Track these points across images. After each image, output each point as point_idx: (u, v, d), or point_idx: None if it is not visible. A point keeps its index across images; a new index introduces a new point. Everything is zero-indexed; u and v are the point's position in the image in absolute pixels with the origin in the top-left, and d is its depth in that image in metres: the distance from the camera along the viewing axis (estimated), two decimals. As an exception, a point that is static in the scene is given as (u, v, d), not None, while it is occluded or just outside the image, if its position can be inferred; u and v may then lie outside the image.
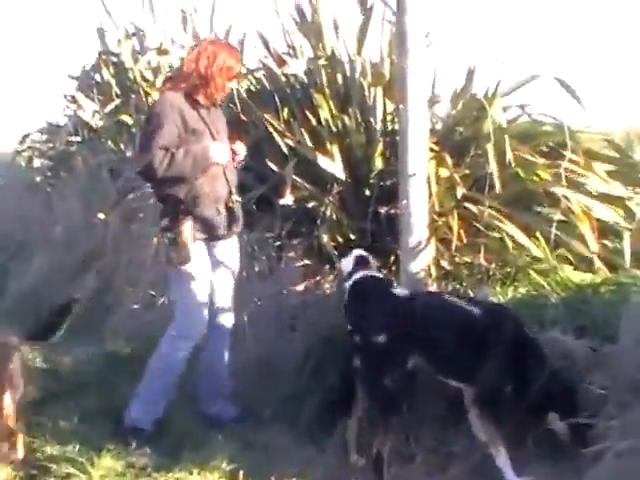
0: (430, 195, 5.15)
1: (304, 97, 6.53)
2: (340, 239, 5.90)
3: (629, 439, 3.55)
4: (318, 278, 5.88)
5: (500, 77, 5.66)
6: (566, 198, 5.15)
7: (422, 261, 5.05)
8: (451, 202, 5.40)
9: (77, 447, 4.58)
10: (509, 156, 5.20)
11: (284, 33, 6.90)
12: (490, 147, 5.23)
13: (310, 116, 6.25)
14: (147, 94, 8.75)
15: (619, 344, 4.04)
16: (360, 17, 6.29)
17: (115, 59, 9.60)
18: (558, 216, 5.08)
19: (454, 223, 5.29)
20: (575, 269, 5.08)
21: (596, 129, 5.98)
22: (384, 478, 4.09)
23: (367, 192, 5.99)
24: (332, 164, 6.00)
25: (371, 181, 6.00)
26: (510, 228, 5.19)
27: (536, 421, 4.07)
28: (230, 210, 4.84)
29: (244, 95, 6.88)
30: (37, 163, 11.53)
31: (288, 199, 6.05)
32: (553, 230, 5.00)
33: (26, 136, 11.54)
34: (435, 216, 5.28)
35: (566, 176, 5.13)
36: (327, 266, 5.87)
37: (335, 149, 6.07)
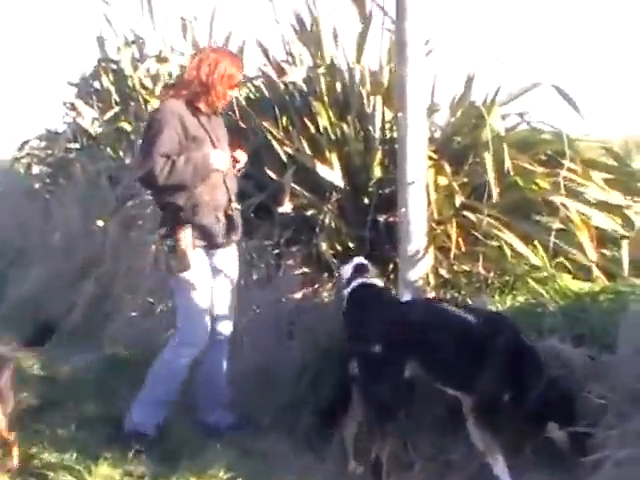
0: (429, 203, 5.15)
1: (303, 105, 6.54)
2: (339, 247, 5.90)
3: (628, 448, 3.55)
4: (316, 286, 5.88)
5: (499, 85, 5.68)
6: (565, 207, 5.15)
7: (421, 269, 5.05)
8: (450, 210, 5.40)
9: (75, 455, 4.57)
10: (508, 164, 5.20)
11: (283, 41, 6.91)
12: (488, 156, 5.23)
13: (309, 124, 6.25)
14: (146, 102, 8.75)
15: (618, 353, 4.03)
16: (359, 25, 6.30)
17: (114, 66, 9.60)
18: (557, 225, 5.08)
19: (453, 231, 5.29)
20: (574, 278, 5.07)
21: (594, 137, 5.99)
22: (383, 485, 4.10)
23: (366, 200, 5.99)
24: (331, 172, 6.01)
25: (370, 189, 6.00)
26: (509, 236, 5.18)
27: (534, 430, 4.06)
28: (229, 218, 4.84)
29: (243, 103, 6.88)
30: (36, 170, 11.53)
31: (287, 207, 6.05)
32: (552, 239, 5.00)
33: (25, 143, 11.56)
34: (434, 224, 5.28)
35: (565, 184, 5.13)
36: (326, 274, 5.88)
37: (334, 157, 6.07)
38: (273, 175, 6.28)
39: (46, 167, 11.11)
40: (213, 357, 4.98)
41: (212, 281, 4.86)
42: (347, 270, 5.03)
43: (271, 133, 6.32)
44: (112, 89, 9.41)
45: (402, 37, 4.92)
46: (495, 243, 5.24)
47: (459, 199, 5.37)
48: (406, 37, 4.89)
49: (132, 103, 8.95)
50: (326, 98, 6.31)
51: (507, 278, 5.14)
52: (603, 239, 5.31)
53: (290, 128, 6.42)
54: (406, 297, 4.93)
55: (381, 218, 5.70)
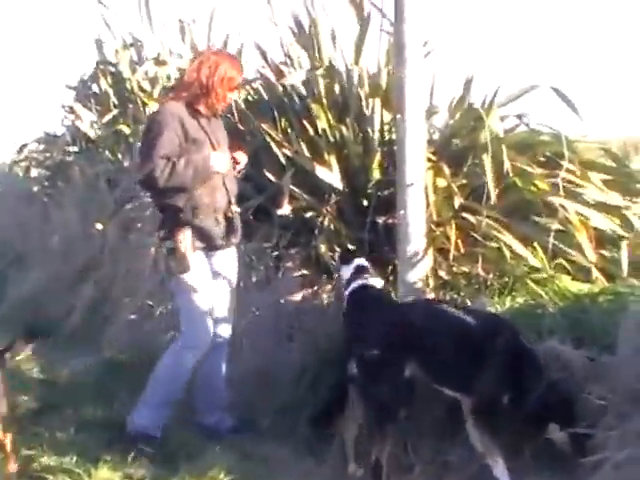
0: (428, 205, 5.15)
1: (302, 107, 6.53)
2: (338, 249, 5.89)
3: (628, 449, 3.55)
4: (316, 288, 5.87)
5: (498, 86, 5.68)
6: (563, 208, 5.14)
7: (420, 271, 5.05)
8: (449, 212, 5.40)
9: (74, 458, 4.57)
10: (507, 166, 5.21)
11: (281, 44, 6.91)
12: (487, 157, 5.23)
13: (308, 126, 6.25)
14: (145, 104, 8.76)
15: (617, 354, 4.03)
16: (357, 27, 6.30)
17: (113, 69, 9.59)
18: (556, 226, 5.07)
19: (452, 233, 5.29)
20: (573, 279, 5.07)
21: (593, 138, 5.99)
22: (383, 487, 4.09)
23: (365, 202, 5.99)
24: (330, 174, 6.01)
25: (369, 191, 5.99)
26: (508, 238, 5.18)
27: (534, 431, 4.05)
28: (229, 220, 4.84)
29: (242, 105, 6.88)
30: (34, 173, 11.54)
31: (286, 209, 6.06)
32: (551, 240, 4.99)
33: (23, 146, 11.56)
34: (433, 226, 5.28)
35: (563, 186, 5.13)
36: (325, 276, 5.88)
37: (333, 159, 6.07)
38: (272, 177, 6.28)
39: (45, 170, 11.12)
40: (212, 360, 4.97)
41: (212, 282, 4.86)
42: (347, 271, 5.04)
43: (270, 135, 6.32)
44: (110, 92, 9.41)
45: (400, 39, 4.92)
46: (494, 244, 5.24)
47: (458, 201, 5.37)
48: (404, 39, 4.89)
49: (130, 106, 8.96)
50: (325, 100, 6.31)
51: (506, 279, 5.13)
52: (602, 240, 5.31)
53: (289, 130, 6.42)
54: (404, 298, 4.92)
55: (380, 220, 5.70)
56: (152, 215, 6.60)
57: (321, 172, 5.97)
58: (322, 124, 6.21)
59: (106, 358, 6.32)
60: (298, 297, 5.83)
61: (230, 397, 5.13)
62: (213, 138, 4.78)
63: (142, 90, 9.00)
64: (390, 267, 5.49)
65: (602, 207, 5.38)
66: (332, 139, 6.19)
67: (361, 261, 5.08)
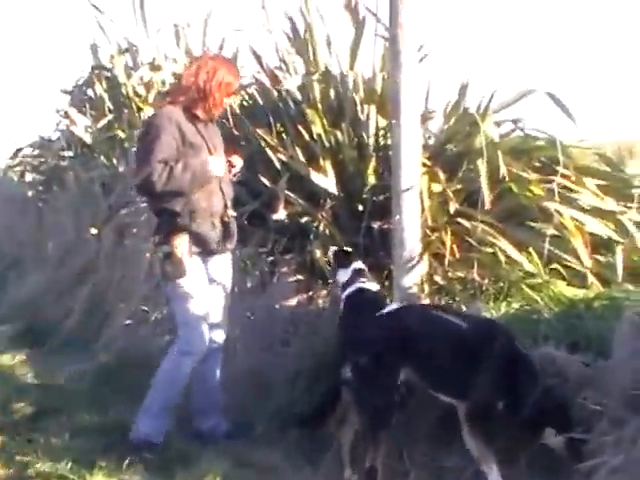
0: (423, 210, 5.15)
1: (297, 112, 6.54)
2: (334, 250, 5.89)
3: (623, 454, 3.55)
4: (311, 293, 5.88)
5: (493, 92, 5.69)
6: (559, 213, 5.15)
7: (415, 276, 5.05)
8: (444, 217, 5.41)
9: (69, 464, 4.53)
10: (503, 171, 5.22)
11: (277, 49, 6.92)
12: (482, 162, 5.23)
13: (303, 131, 6.27)
14: (140, 109, 8.78)
15: (613, 359, 4.03)
16: (352, 32, 6.31)
17: (108, 74, 9.60)
18: (551, 231, 5.08)
19: (447, 238, 5.30)
20: (568, 284, 5.07)
21: (588, 143, 5.99)
22: (378, 493, 4.09)
23: (360, 207, 6.00)
24: (325, 179, 6.01)
25: (364, 196, 6.01)
26: (503, 243, 5.18)
27: (529, 437, 4.05)
28: (225, 225, 4.84)
29: (237, 110, 6.88)
30: (29, 177, 11.52)
31: (281, 214, 6.07)
32: (546, 245, 5.00)
33: (18, 150, 11.54)
34: (428, 231, 5.28)
35: (558, 191, 5.14)
36: (320, 281, 5.88)
37: (328, 164, 6.08)
38: (267, 182, 6.29)
39: (39, 175, 11.10)
40: (207, 365, 4.96)
41: (207, 287, 4.85)
42: (345, 274, 5.04)
43: (265, 140, 6.33)
44: (105, 97, 9.40)
45: (396, 44, 4.92)
46: (489, 250, 5.24)
47: (453, 206, 5.37)
48: (400, 44, 4.89)
49: (125, 111, 8.97)
50: (320, 105, 6.32)
51: (502, 285, 5.13)
52: (597, 245, 5.31)
53: (284, 135, 6.44)
54: (400, 303, 4.92)
55: (375, 225, 5.71)
56: (147, 220, 6.59)
57: (316, 177, 5.98)
58: (317, 129, 6.22)
59: (101, 363, 6.30)
60: (293, 302, 5.84)
61: (225, 402, 5.12)
62: (210, 143, 4.78)
63: (137, 95, 9.01)
64: (385, 272, 5.49)
65: (597, 212, 5.38)
66: (327, 144, 6.20)
67: (359, 264, 5.09)
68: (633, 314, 4.11)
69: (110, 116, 9.18)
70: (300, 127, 6.29)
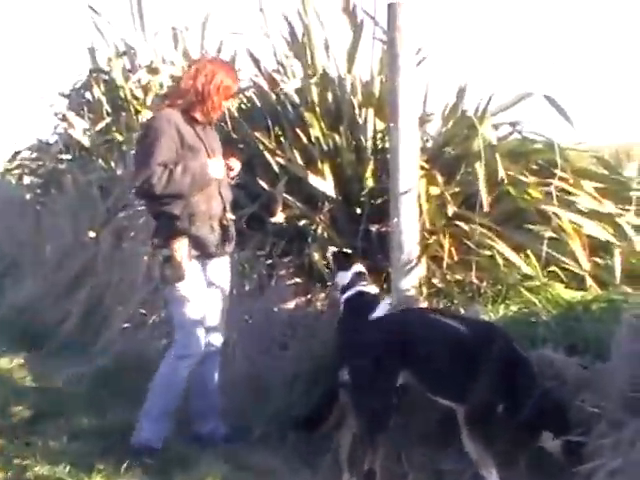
0: (421, 213, 5.16)
1: (295, 116, 6.54)
2: (332, 252, 5.89)
3: (621, 457, 3.56)
4: (309, 296, 5.87)
5: (491, 95, 5.69)
6: (557, 216, 5.16)
7: (413, 279, 5.05)
8: (442, 220, 5.41)
9: (68, 467, 4.54)
10: (501, 174, 5.22)
11: (275, 52, 6.92)
12: (480, 165, 5.24)
13: (301, 134, 6.26)
14: (137, 112, 8.78)
15: (611, 362, 4.03)
16: (350, 36, 6.31)
17: (106, 77, 9.60)
18: (549, 234, 5.09)
19: (445, 241, 5.30)
20: (566, 286, 5.07)
21: (585, 145, 6.00)
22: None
23: (358, 210, 6.00)
24: (323, 182, 6.01)
25: (362, 199, 6.00)
26: (501, 246, 5.18)
27: (528, 439, 4.06)
28: (224, 228, 4.84)
29: (235, 113, 6.88)
30: (27, 180, 11.52)
31: (279, 217, 6.06)
32: (544, 248, 5.00)
33: (16, 154, 11.54)
34: (426, 234, 5.29)
35: (556, 194, 5.15)
36: (318, 284, 5.88)
37: (326, 167, 6.07)
38: (265, 185, 6.29)
39: (37, 178, 11.10)
40: (205, 368, 4.96)
41: (205, 291, 4.85)
42: (345, 277, 5.04)
43: (263, 144, 6.33)
44: (103, 100, 9.40)
45: (394, 47, 4.92)
46: (488, 252, 5.24)
47: (451, 209, 5.38)
48: (398, 47, 4.90)
49: (123, 114, 8.97)
50: (318, 109, 6.32)
51: (500, 287, 5.12)
52: (595, 248, 5.31)
53: (282, 139, 6.43)
54: (398, 306, 4.92)
55: (373, 228, 5.71)
56: (145, 223, 6.59)
57: (314, 180, 5.98)
58: (315, 132, 6.21)
59: (99, 366, 6.29)
60: (291, 305, 5.83)
61: (223, 405, 5.12)
62: (208, 146, 4.78)
63: (135, 98, 9.01)
64: (384, 275, 5.49)
65: (595, 215, 5.38)
66: (325, 147, 6.20)
67: (359, 267, 5.09)
68: (631, 316, 4.11)
69: (108, 119, 9.18)
70: (298, 130, 6.29)
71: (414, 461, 4.38)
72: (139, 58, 9.41)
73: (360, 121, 6.27)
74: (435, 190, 5.45)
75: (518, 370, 4.09)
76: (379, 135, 6.20)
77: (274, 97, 6.79)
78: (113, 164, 8.86)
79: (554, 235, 5.14)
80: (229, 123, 6.66)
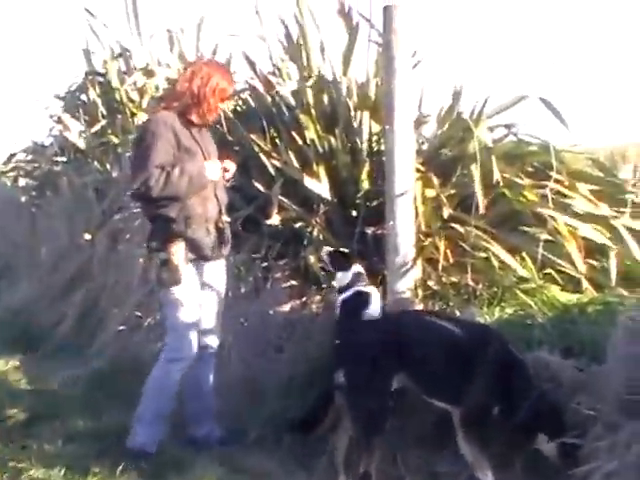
0: (416, 215, 5.15)
1: (290, 118, 6.54)
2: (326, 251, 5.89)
3: (617, 459, 3.56)
4: (304, 299, 5.87)
5: (486, 97, 5.70)
6: (552, 218, 5.16)
7: (409, 281, 5.05)
8: (437, 222, 5.41)
9: (63, 470, 4.53)
10: (497, 176, 5.22)
11: (270, 54, 6.93)
12: (475, 167, 5.24)
13: (296, 137, 6.26)
14: (133, 115, 8.77)
15: (606, 364, 4.04)
16: (346, 38, 6.31)
17: (101, 79, 9.58)
18: (545, 236, 5.09)
19: (441, 243, 5.30)
20: (562, 289, 5.07)
21: (581, 148, 6.00)
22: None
23: (353, 212, 6.00)
24: (318, 185, 6.01)
25: (357, 201, 6.01)
26: (497, 248, 5.19)
27: (523, 442, 4.06)
28: (220, 231, 4.83)
29: (230, 115, 6.88)
30: (22, 183, 11.51)
31: (275, 220, 6.06)
32: (540, 250, 5.01)
33: (11, 156, 11.52)
34: (422, 236, 5.29)
35: (552, 196, 5.15)
36: (313, 287, 5.87)
37: (321, 170, 6.08)
38: (261, 188, 6.29)
39: (32, 180, 11.09)
40: (200, 371, 4.96)
41: (200, 294, 4.85)
42: (344, 277, 5.04)
43: (258, 146, 6.33)
44: (99, 102, 9.39)
45: (389, 50, 4.93)
46: (483, 255, 5.24)
47: (447, 211, 5.38)
48: (393, 50, 4.90)
49: (119, 116, 8.96)
50: (313, 111, 6.32)
51: (495, 290, 5.13)
52: (591, 250, 5.32)
53: (277, 141, 6.43)
54: (393, 309, 4.92)
55: (369, 230, 5.71)
56: (141, 226, 6.58)
57: (310, 182, 5.98)
58: (311, 134, 6.22)
59: (95, 369, 6.29)
60: (287, 308, 5.83)
61: (219, 408, 5.11)
62: (204, 148, 4.78)
63: (131, 100, 9.00)
64: (379, 277, 5.48)
65: (590, 217, 5.39)
66: (321, 149, 6.20)
67: (358, 268, 5.08)
68: (627, 319, 4.11)
69: (103, 121, 9.16)
70: (294, 132, 6.29)
71: (410, 463, 4.38)
72: (135, 60, 9.39)
73: (355, 123, 6.28)
74: (431, 192, 5.45)
75: (514, 372, 4.10)
76: (375, 137, 6.20)
77: (270, 99, 6.79)
78: (109, 166, 8.84)
79: (550, 237, 5.15)
80: (224, 125, 6.65)
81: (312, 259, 5.81)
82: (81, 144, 9.44)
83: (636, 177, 5.89)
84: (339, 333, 4.80)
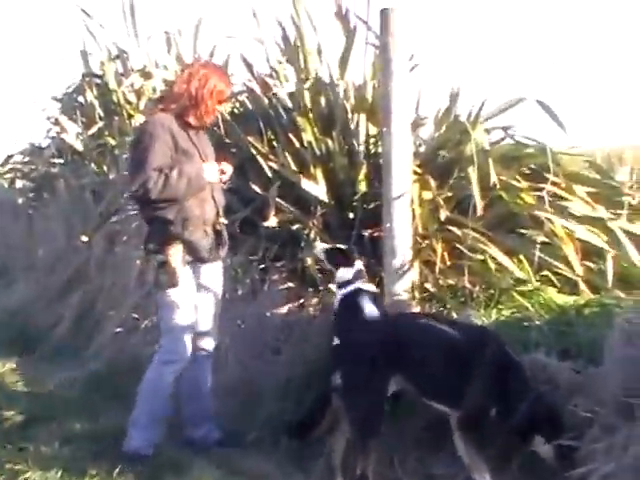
0: (413, 218, 5.16)
1: (287, 120, 6.54)
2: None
3: (614, 461, 3.56)
4: (301, 301, 5.87)
5: (483, 99, 5.70)
6: (549, 220, 5.16)
7: (406, 283, 5.06)
8: (434, 225, 5.41)
9: (60, 472, 4.53)
10: (494, 179, 5.23)
11: (267, 56, 6.93)
12: (472, 170, 5.24)
13: (294, 139, 6.26)
14: (130, 116, 8.77)
15: (603, 366, 4.04)
16: (343, 40, 6.31)
17: (99, 81, 9.59)
18: (541, 238, 5.10)
19: (438, 245, 5.30)
20: (559, 291, 5.07)
21: (578, 150, 6.00)
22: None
23: (351, 215, 6.00)
24: (316, 187, 6.01)
25: (354, 204, 6.00)
26: (493, 250, 5.18)
27: (520, 444, 4.06)
28: (217, 233, 4.84)
29: (228, 118, 6.88)
30: (19, 184, 11.52)
31: (272, 222, 6.06)
32: (537, 252, 5.01)
33: (9, 157, 11.54)
34: (419, 238, 5.29)
35: (549, 199, 5.16)
36: (311, 289, 5.87)
37: (319, 172, 6.08)
38: (258, 190, 6.29)
39: (30, 182, 11.10)
40: (197, 373, 4.96)
41: (197, 296, 4.85)
42: (346, 273, 5.01)
43: (256, 148, 6.33)
44: (96, 104, 9.40)
45: (387, 52, 4.93)
46: (480, 257, 5.23)
47: (444, 213, 5.38)
48: (391, 52, 4.90)
49: (116, 118, 8.96)
50: (310, 113, 6.32)
51: (492, 292, 5.12)
52: (587, 252, 5.32)
53: (275, 143, 6.43)
54: (391, 311, 4.91)
55: (366, 233, 5.70)
56: (138, 228, 6.59)
57: (307, 185, 5.98)
58: (308, 137, 6.22)
59: (91, 371, 6.29)
60: (284, 310, 5.83)
61: (216, 410, 5.11)
62: (201, 150, 4.78)
63: (128, 102, 9.00)
64: (376, 280, 5.48)
65: (587, 220, 5.39)
66: (318, 152, 6.20)
67: (360, 265, 5.06)
68: (623, 321, 4.11)
69: (101, 123, 9.17)
70: (291, 135, 6.29)
71: (407, 465, 4.38)
72: (132, 62, 9.41)
73: (353, 126, 6.28)
74: (428, 195, 5.45)
75: (511, 374, 4.09)
76: (372, 140, 6.20)
77: (267, 101, 6.79)
78: (106, 168, 8.85)
79: (546, 240, 5.15)
80: (222, 127, 6.65)
81: (309, 261, 5.81)
82: (78, 146, 9.45)
83: (633, 179, 5.88)
84: (337, 332, 4.79)
